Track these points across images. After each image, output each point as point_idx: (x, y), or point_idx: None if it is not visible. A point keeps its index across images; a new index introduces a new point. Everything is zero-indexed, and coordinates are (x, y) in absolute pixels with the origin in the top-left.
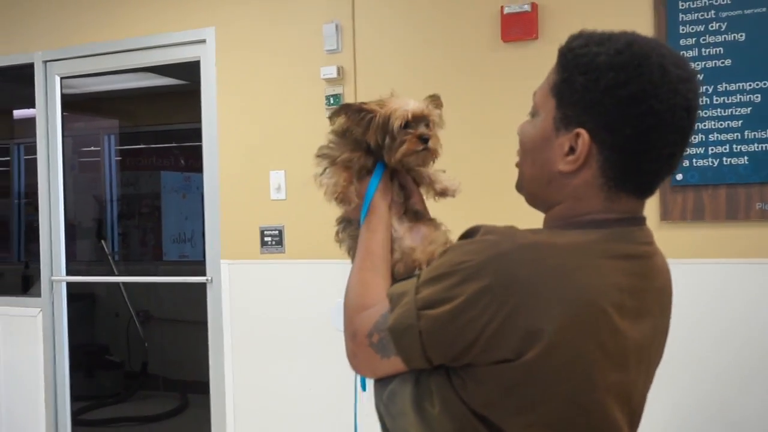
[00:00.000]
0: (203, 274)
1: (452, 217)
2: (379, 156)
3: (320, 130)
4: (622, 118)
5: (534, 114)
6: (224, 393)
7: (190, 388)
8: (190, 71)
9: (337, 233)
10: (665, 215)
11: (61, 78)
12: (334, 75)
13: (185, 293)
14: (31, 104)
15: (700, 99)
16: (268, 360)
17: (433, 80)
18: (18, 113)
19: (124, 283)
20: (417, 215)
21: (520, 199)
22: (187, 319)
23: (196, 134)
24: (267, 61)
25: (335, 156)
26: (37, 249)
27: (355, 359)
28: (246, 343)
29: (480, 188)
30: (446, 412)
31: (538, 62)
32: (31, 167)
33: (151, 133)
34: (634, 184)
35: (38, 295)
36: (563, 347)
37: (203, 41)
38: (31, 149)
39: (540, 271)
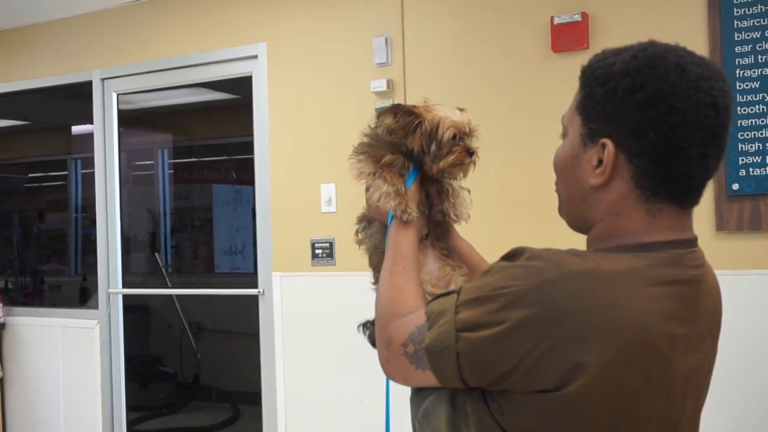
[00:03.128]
0: (255, 286)
1: (502, 229)
2: (417, 161)
3: None
4: (644, 122)
5: (564, 136)
6: (276, 404)
7: (241, 399)
8: (241, 86)
9: (357, 232)
10: (721, 225)
11: (118, 94)
12: (384, 88)
13: (237, 305)
14: (89, 120)
15: (730, 98)
16: (319, 371)
17: (483, 92)
18: (76, 129)
19: (177, 295)
20: (437, 225)
21: None
22: (238, 330)
23: (247, 147)
24: (317, 75)
25: (377, 156)
26: (93, 261)
27: (388, 365)
28: (297, 355)
29: (530, 200)
30: None
31: None
32: (88, 181)
33: (203, 146)
34: (670, 191)
35: (95, 307)
36: (608, 381)
37: (255, 57)
38: (88, 163)
39: (586, 302)
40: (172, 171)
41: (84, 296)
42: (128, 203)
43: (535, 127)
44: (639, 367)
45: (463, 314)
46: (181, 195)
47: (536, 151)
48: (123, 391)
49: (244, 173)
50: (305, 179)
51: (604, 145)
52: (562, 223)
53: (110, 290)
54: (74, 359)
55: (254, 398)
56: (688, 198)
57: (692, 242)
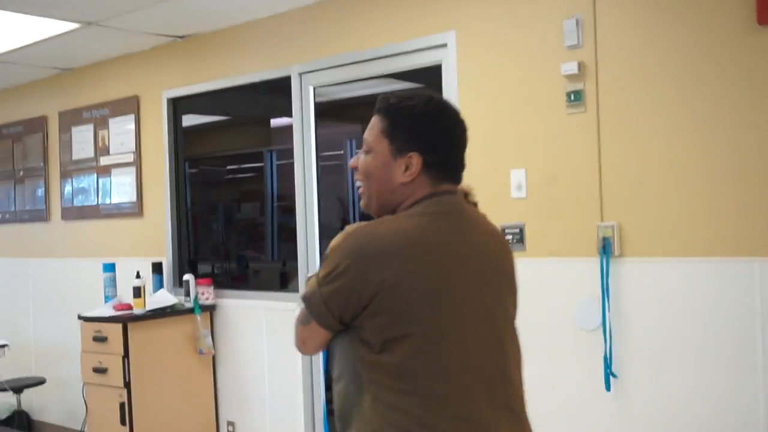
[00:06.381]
0: None
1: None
2: None
3: (561, 128)
4: (439, 142)
5: (368, 151)
6: None
7: None
8: (427, 74)
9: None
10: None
11: (315, 88)
12: (575, 71)
13: None
14: (283, 113)
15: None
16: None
17: (680, 72)
18: (273, 122)
19: None
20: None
21: None
22: None
23: None
24: (507, 60)
25: None
26: (288, 248)
27: (300, 346)
28: None
29: (740, 180)
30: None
31: None
32: (283, 172)
33: None
34: (449, 174)
35: (296, 290)
36: (405, 273)
37: (444, 45)
38: (283, 154)
39: (377, 239)
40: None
41: (284, 281)
42: (320, 192)
43: (740, 107)
44: (424, 260)
45: (320, 275)
46: None
47: (742, 133)
48: (322, 369)
49: None
50: (494, 165)
51: (411, 157)
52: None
53: (309, 275)
54: (277, 339)
55: None
56: (458, 176)
57: (449, 192)
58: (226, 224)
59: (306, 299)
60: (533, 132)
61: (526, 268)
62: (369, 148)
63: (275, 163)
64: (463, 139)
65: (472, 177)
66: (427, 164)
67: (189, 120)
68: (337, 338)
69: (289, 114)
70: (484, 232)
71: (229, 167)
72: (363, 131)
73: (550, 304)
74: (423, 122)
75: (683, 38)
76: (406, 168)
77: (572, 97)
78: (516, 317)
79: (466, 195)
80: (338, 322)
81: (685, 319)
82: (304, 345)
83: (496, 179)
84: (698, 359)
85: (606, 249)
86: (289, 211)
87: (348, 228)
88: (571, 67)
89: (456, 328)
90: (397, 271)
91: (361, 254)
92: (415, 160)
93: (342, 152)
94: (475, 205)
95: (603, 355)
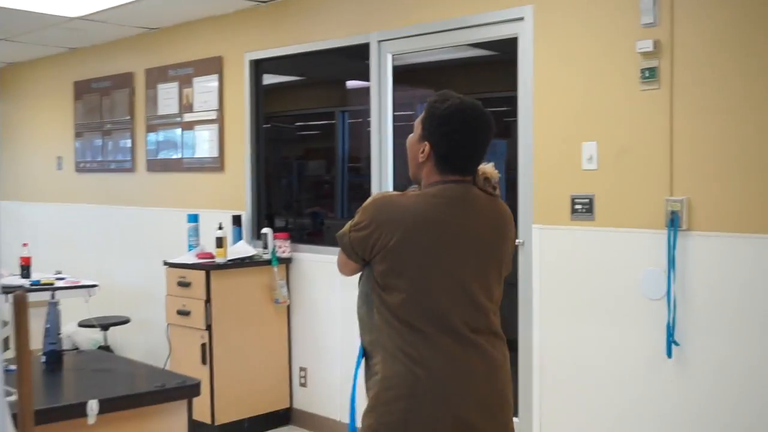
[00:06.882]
0: None
1: None
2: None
3: (634, 103)
4: (443, 141)
5: (413, 131)
6: (531, 353)
7: None
8: (502, 43)
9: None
10: None
11: (393, 55)
12: (650, 48)
13: None
14: (359, 77)
15: (489, 132)
16: (574, 323)
17: (757, 51)
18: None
19: None
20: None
21: None
22: None
23: (504, 103)
24: (582, 36)
25: None
26: (357, 206)
27: (340, 269)
28: (553, 306)
29: None
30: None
31: None
32: (354, 132)
33: None
34: (453, 168)
35: None
36: (406, 240)
37: (521, 19)
38: (354, 115)
39: (394, 208)
40: None
41: None
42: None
43: None
44: (422, 232)
45: (351, 223)
46: None
47: None
48: None
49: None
50: (567, 137)
51: (426, 145)
52: None
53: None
54: (349, 292)
55: (511, 346)
56: (464, 170)
57: (455, 181)
58: (298, 181)
59: (339, 237)
60: (606, 106)
61: (593, 238)
62: (413, 128)
63: (347, 122)
64: (471, 140)
65: (544, 148)
66: (436, 155)
67: (266, 79)
68: (365, 268)
69: (365, 77)
70: (483, 215)
71: (300, 124)
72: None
73: (616, 273)
74: (437, 123)
75: (761, 19)
76: (423, 151)
77: (647, 74)
78: (498, 284)
79: (482, 183)
80: (361, 258)
81: (748, 293)
82: (341, 268)
83: (569, 151)
84: (760, 331)
85: (674, 222)
86: (357, 170)
87: (376, 194)
88: (647, 45)
89: (435, 286)
90: (400, 236)
91: (379, 218)
92: (428, 148)
93: (412, 112)
94: (491, 192)
95: (666, 323)
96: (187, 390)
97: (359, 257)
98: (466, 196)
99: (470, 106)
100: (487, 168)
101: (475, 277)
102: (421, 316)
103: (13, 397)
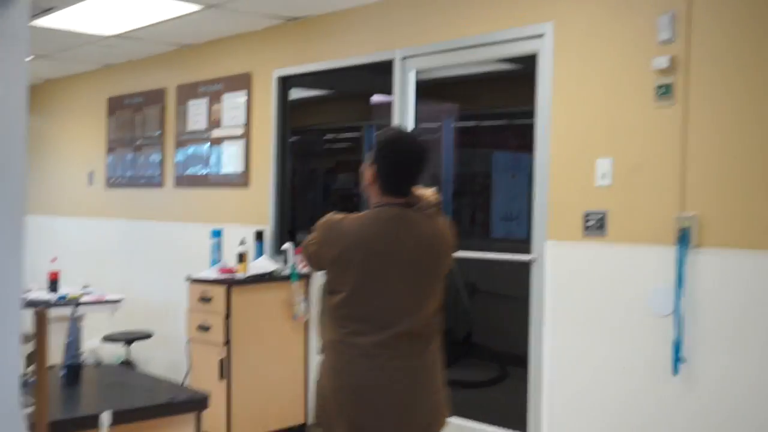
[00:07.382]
0: (527, 251)
1: None
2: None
3: (649, 120)
4: (380, 165)
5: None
6: (541, 367)
7: (509, 360)
8: (526, 57)
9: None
10: None
11: (416, 71)
12: (666, 65)
13: (509, 269)
14: (383, 90)
15: (419, 160)
16: (585, 338)
17: None
18: (373, 99)
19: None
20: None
21: None
22: (509, 294)
23: (526, 116)
24: (600, 53)
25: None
26: None
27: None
28: (565, 321)
29: None
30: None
31: None
32: None
33: (484, 115)
34: (389, 190)
35: None
36: (346, 252)
37: (541, 36)
38: (380, 129)
39: (337, 227)
40: (454, 138)
41: None
42: None
43: None
44: (355, 249)
45: (309, 238)
46: (463, 162)
47: None
48: None
49: (522, 140)
50: (582, 153)
51: (371, 166)
52: None
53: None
54: None
55: (521, 360)
56: (400, 193)
57: (393, 205)
58: (323, 195)
59: (303, 247)
60: (621, 123)
61: (604, 254)
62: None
63: (373, 136)
64: (405, 166)
65: (558, 164)
66: (378, 178)
67: (293, 93)
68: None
69: (388, 91)
70: (415, 233)
71: (327, 138)
72: (458, 109)
73: (625, 289)
74: (377, 149)
75: None
76: (370, 174)
77: (662, 91)
78: (430, 295)
79: (423, 205)
80: (317, 267)
81: (757, 310)
82: (305, 265)
83: (582, 167)
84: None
85: (684, 239)
86: None
87: (327, 215)
88: (663, 62)
89: (371, 293)
90: (342, 251)
91: (327, 236)
92: (372, 172)
93: (439, 124)
94: (426, 211)
95: (673, 339)
96: (196, 403)
97: (315, 265)
98: (400, 216)
99: (404, 136)
100: (427, 192)
101: (404, 286)
102: (358, 317)
103: (31, 409)
